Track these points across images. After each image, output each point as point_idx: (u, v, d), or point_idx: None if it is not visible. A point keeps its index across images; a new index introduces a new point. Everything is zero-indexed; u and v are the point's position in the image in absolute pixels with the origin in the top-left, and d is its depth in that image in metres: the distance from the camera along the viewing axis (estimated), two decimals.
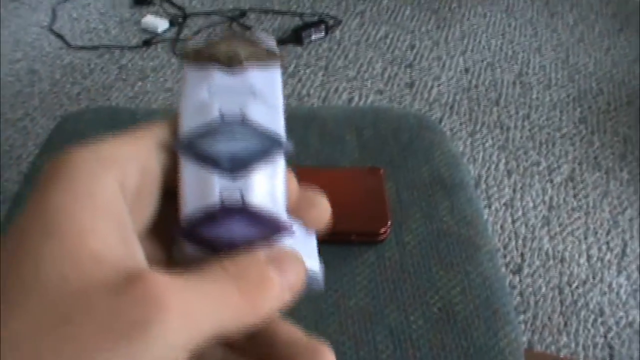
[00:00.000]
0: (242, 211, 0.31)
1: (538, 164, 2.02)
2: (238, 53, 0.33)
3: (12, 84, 2.30)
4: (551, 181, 1.97)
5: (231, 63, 0.33)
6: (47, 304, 0.25)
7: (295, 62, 2.39)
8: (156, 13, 2.60)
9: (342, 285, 0.86)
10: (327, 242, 0.87)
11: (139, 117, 1.12)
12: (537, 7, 2.78)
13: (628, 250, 1.78)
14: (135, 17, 2.61)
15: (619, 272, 1.72)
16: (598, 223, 1.85)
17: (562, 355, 1.55)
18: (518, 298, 1.65)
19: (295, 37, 2.48)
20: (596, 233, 1.82)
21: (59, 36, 2.52)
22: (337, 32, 2.56)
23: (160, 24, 2.54)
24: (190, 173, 0.31)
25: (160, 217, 0.33)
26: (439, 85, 2.33)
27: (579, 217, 1.86)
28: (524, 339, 1.57)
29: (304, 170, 1.00)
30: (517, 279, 1.69)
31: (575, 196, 1.92)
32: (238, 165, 0.31)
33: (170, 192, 0.32)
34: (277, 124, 0.32)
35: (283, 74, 2.26)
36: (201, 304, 0.27)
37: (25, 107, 2.20)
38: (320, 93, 2.26)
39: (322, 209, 0.36)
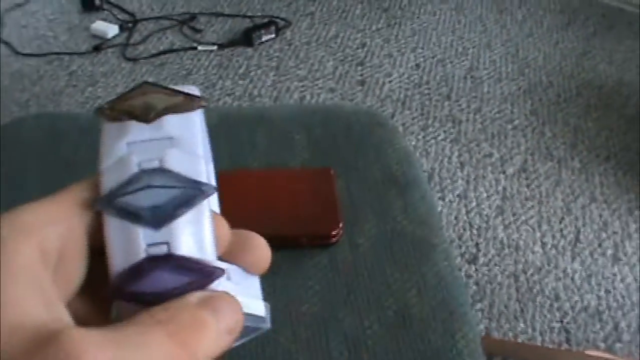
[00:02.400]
0: (169, 261, 0.30)
1: (490, 155, 2.03)
2: (152, 104, 0.33)
3: None
4: (504, 172, 1.98)
5: (147, 114, 0.32)
6: None
7: (246, 64, 2.38)
8: (106, 19, 2.58)
9: (293, 290, 0.82)
10: (277, 246, 0.83)
11: (81, 123, 1.07)
12: (486, 4, 2.80)
13: (581, 236, 1.80)
14: (85, 23, 2.57)
15: (573, 258, 1.74)
16: (551, 211, 1.86)
17: (519, 340, 1.56)
18: (474, 287, 1.65)
19: (245, 38, 2.48)
20: (550, 221, 1.84)
21: (7, 43, 2.48)
22: (288, 33, 2.56)
23: (110, 29, 2.52)
24: (114, 231, 0.30)
25: (95, 277, 0.32)
26: (390, 81, 2.33)
27: (533, 206, 1.88)
28: (482, 326, 1.57)
29: (250, 173, 0.97)
30: (473, 268, 1.70)
31: (528, 186, 1.94)
32: (161, 217, 0.30)
33: (101, 251, 0.31)
34: (197, 170, 0.32)
35: (234, 75, 2.25)
36: (124, 354, 0.26)
37: None
38: (271, 93, 2.25)
39: (260, 252, 0.36)
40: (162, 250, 0.30)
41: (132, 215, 0.30)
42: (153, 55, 2.42)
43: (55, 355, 0.25)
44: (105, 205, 0.30)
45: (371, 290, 0.82)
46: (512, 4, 2.82)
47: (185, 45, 2.48)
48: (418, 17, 2.69)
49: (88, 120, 1.08)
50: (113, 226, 0.30)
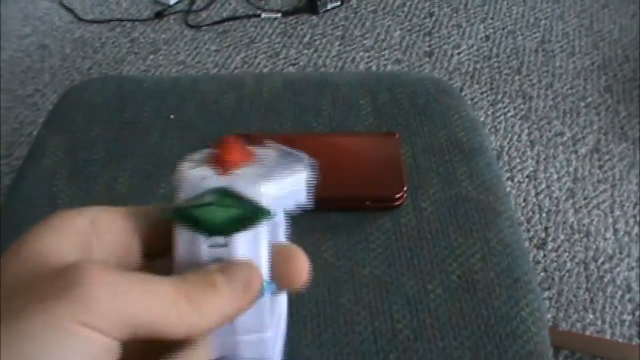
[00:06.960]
0: None
1: (562, 134, 1.96)
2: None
3: (22, 59, 2.26)
4: (576, 152, 1.90)
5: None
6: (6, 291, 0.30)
7: (310, 32, 2.33)
8: None
9: (356, 252, 0.83)
10: (342, 209, 0.87)
11: (146, 86, 1.10)
12: None
13: None
14: None
15: None
16: (625, 195, 1.79)
17: (588, 333, 1.50)
18: (542, 274, 1.60)
19: (310, 6, 2.42)
20: (623, 206, 1.76)
21: (69, 10, 2.47)
22: (354, 0, 2.49)
23: None
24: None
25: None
26: (458, 53, 2.26)
27: (605, 190, 1.80)
28: (549, 316, 1.52)
29: (315, 135, 0.98)
30: (541, 254, 1.64)
31: (600, 167, 1.86)
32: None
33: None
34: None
35: (299, 44, 2.21)
36: (132, 289, 0.29)
37: (35, 83, 2.16)
38: (336, 63, 2.20)
39: (300, 265, 0.36)
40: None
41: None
42: (216, 23, 2.38)
43: (65, 278, 0.29)
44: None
45: (434, 254, 0.83)
46: None
47: (248, 12, 2.43)
48: None
49: (153, 83, 1.11)
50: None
